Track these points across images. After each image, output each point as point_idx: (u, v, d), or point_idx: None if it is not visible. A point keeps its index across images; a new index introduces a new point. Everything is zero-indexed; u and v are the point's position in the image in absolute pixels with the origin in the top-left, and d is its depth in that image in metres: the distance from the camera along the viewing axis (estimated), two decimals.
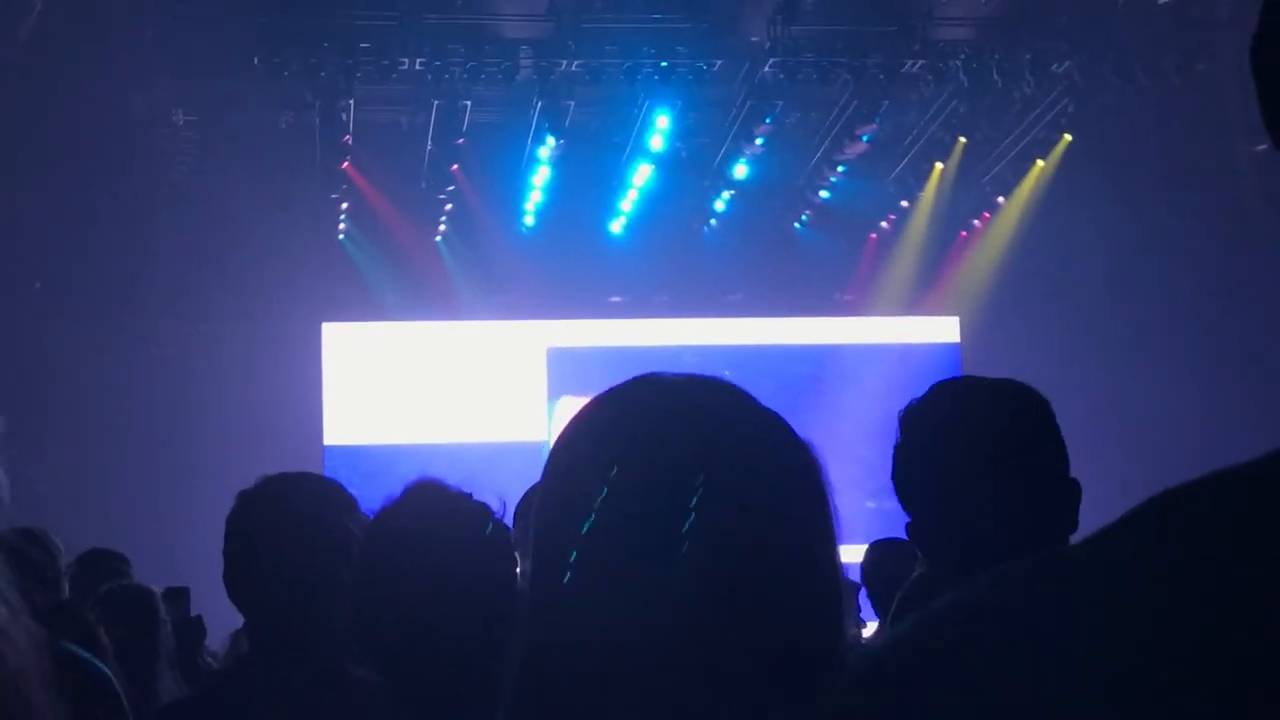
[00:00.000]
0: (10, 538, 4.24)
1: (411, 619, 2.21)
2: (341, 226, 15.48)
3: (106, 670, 3.55)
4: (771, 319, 16.21)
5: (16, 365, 13.08)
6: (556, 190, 15.08)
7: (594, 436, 1.31)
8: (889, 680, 0.76)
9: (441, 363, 15.74)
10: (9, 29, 11.10)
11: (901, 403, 2.33)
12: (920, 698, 0.74)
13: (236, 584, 2.71)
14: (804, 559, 1.27)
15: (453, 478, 2.38)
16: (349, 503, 2.75)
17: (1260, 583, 0.68)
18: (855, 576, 5.37)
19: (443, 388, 15.65)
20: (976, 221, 16.45)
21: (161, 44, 12.12)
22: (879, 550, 5.54)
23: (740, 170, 14.74)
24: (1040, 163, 15.20)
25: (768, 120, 13.49)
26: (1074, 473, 2.27)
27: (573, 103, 13.34)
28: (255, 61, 12.27)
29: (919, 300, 16.68)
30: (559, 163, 14.47)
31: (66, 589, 4.74)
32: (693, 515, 1.20)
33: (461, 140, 14.08)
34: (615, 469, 1.24)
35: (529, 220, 15.67)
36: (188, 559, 7.31)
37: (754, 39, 12.97)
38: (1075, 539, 0.94)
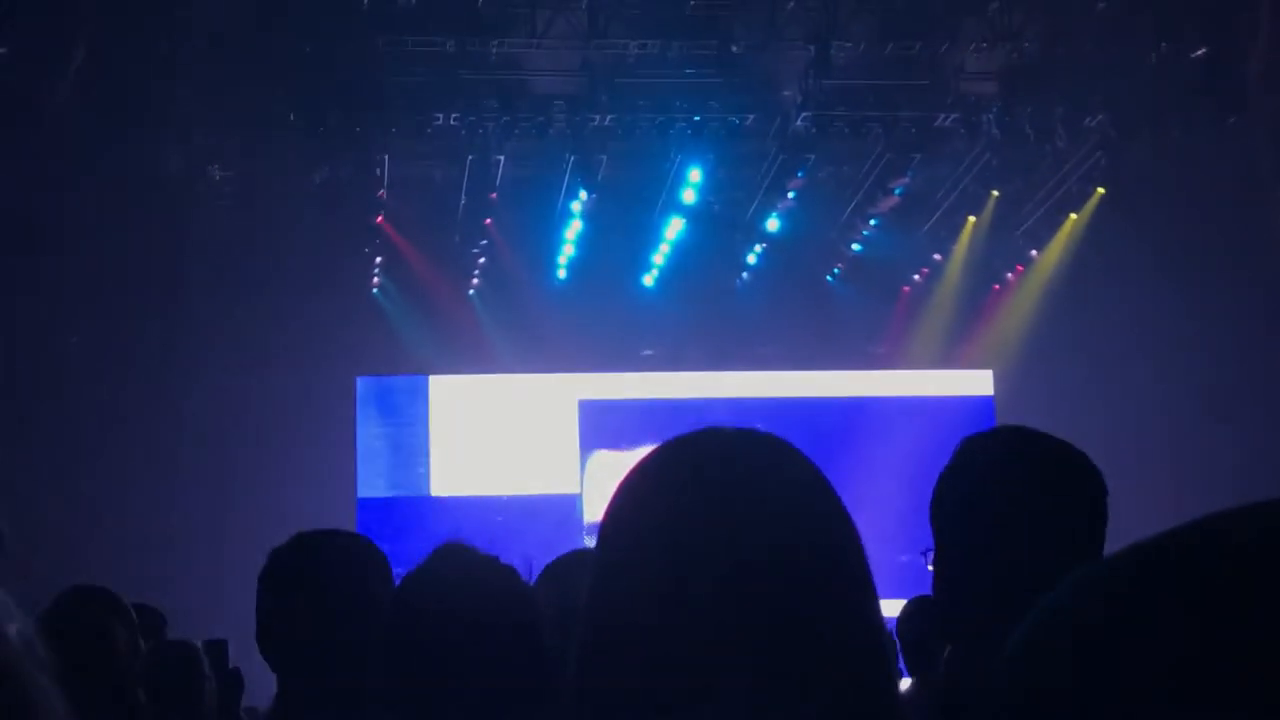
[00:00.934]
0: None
1: (439, 679, 2.20)
2: (375, 280, 15.57)
3: None
4: (804, 372, 16.18)
5: (53, 420, 13.16)
6: (589, 244, 15.14)
7: (662, 483, 1.33)
8: None
9: (474, 416, 15.75)
10: (48, 83, 11.24)
11: (934, 456, 2.32)
12: None
13: (269, 641, 2.71)
14: (854, 610, 1.28)
15: (484, 532, 2.38)
16: (381, 561, 2.75)
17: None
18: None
19: (475, 441, 15.65)
20: (1010, 275, 16.42)
21: (198, 99, 12.26)
22: (915, 605, 5.49)
23: (772, 224, 14.78)
24: (1073, 216, 15.16)
25: (800, 174, 13.54)
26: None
27: (605, 157, 13.42)
28: (291, 117, 12.39)
29: (952, 353, 16.62)
30: (592, 217, 14.53)
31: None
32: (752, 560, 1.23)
33: (494, 195, 14.16)
34: (679, 509, 1.27)
35: (561, 274, 15.72)
36: (220, 613, 7.31)
37: (786, 93, 13.02)
38: None
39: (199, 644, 5.28)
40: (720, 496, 1.28)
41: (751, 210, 14.83)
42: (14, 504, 9.99)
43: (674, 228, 14.98)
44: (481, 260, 15.42)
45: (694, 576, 1.24)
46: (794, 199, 13.99)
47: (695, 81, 12.77)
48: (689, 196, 14.31)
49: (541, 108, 12.87)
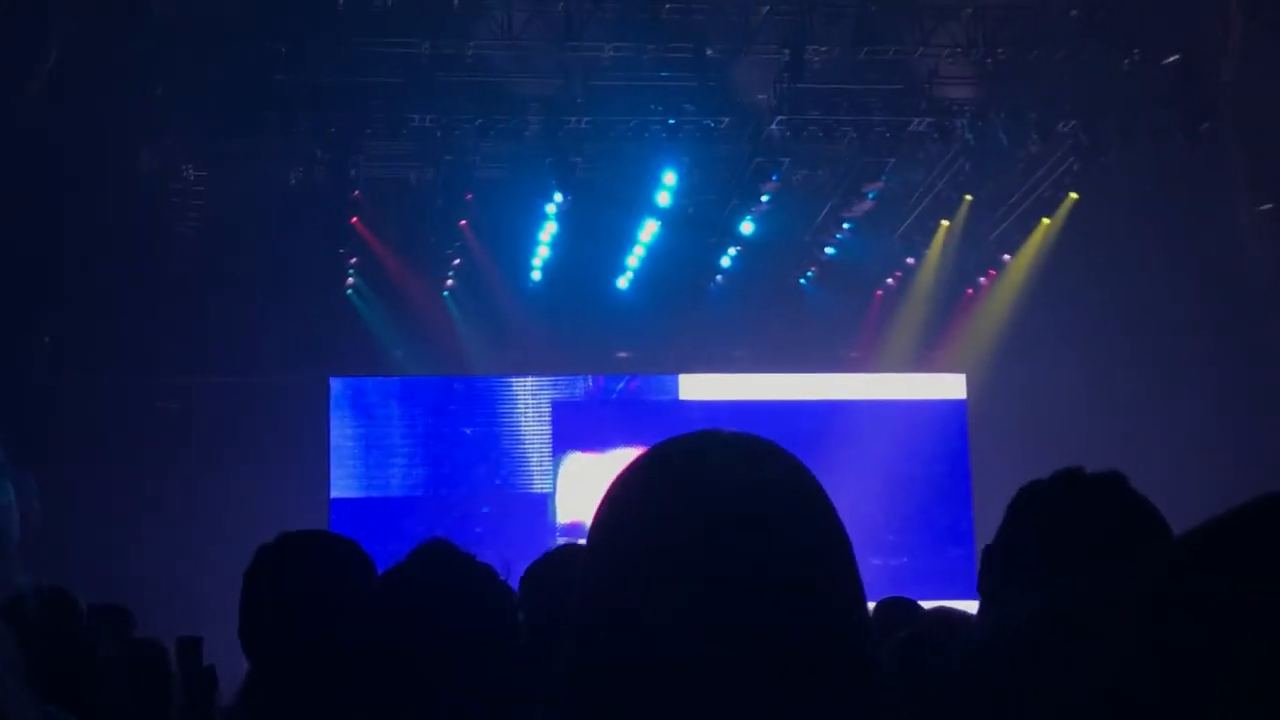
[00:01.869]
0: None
1: (419, 674, 2.21)
2: (350, 281, 15.53)
3: None
4: (777, 375, 16.19)
5: (24, 418, 13.08)
6: (564, 246, 15.13)
7: (655, 487, 1.33)
8: None
9: (447, 416, 15.73)
10: (22, 83, 11.18)
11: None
12: None
13: (251, 636, 2.73)
14: (850, 619, 1.29)
15: (459, 532, 2.40)
16: (366, 562, 2.77)
17: None
18: None
19: (449, 442, 15.63)
20: (983, 279, 16.47)
21: (172, 100, 12.21)
22: (887, 609, 5.51)
23: (747, 227, 14.80)
24: (1046, 220, 15.23)
25: (774, 177, 13.56)
26: None
27: (580, 160, 13.42)
28: (265, 118, 12.35)
29: (925, 357, 16.67)
30: (566, 219, 14.53)
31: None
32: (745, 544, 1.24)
33: (469, 196, 14.15)
34: (673, 503, 1.27)
35: (536, 276, 15.72)
36: (196, 610, 7.29)
37: (760, 97, 13.05)
38: None
39: (169, 643, 5.26)
40: (718, 502, 1.28)
41: (726, 213, 14.84)
42: None
43: (648, 230, 14.99)
44: (456, 261, 15.40)
45: (687, 585, 1.24)
46: (768, 202, 14.00)
47: (670, 85, 12.79)
48: (664, 199, 14.33)
49: (517, 110, 12.87)
